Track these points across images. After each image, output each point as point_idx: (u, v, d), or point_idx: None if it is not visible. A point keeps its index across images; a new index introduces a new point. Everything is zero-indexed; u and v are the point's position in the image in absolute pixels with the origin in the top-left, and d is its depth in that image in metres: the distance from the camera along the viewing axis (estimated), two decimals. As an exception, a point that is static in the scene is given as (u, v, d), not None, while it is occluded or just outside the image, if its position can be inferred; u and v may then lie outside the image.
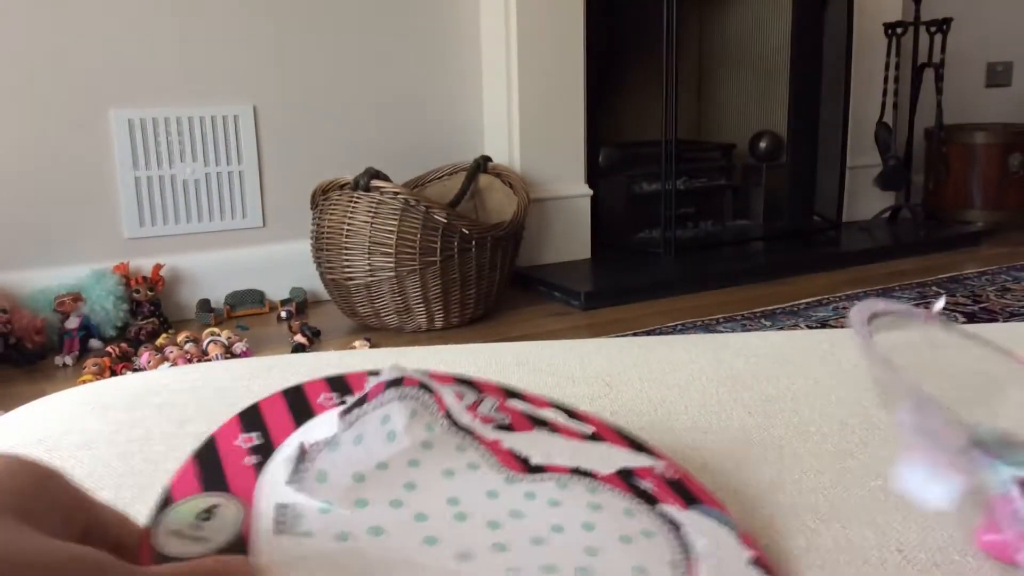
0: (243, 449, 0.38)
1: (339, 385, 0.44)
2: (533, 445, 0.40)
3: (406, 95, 2.86)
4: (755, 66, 3.52)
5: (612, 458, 0.40)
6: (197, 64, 2.57)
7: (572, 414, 0.44)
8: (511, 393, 0.44)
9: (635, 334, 2.36)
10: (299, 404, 0.42)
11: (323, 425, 0.38)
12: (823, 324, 2.41)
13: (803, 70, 3.40)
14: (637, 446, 0.42)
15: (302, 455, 0.36)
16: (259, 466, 0.36)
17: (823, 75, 3.42)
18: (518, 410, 0.43)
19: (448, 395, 0.41)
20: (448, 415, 0.40)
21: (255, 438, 0.39)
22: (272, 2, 2.64)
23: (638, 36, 3.29)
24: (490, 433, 0.40)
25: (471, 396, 0.42)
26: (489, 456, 0.39)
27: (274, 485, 0.35)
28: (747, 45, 3.53)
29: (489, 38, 2.91)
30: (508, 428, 0.41)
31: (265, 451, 0.38)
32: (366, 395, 0.38)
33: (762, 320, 2.47)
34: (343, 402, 0.41)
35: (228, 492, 0.35)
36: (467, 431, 0.40)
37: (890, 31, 3.46)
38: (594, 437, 0.42)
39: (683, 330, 2.39)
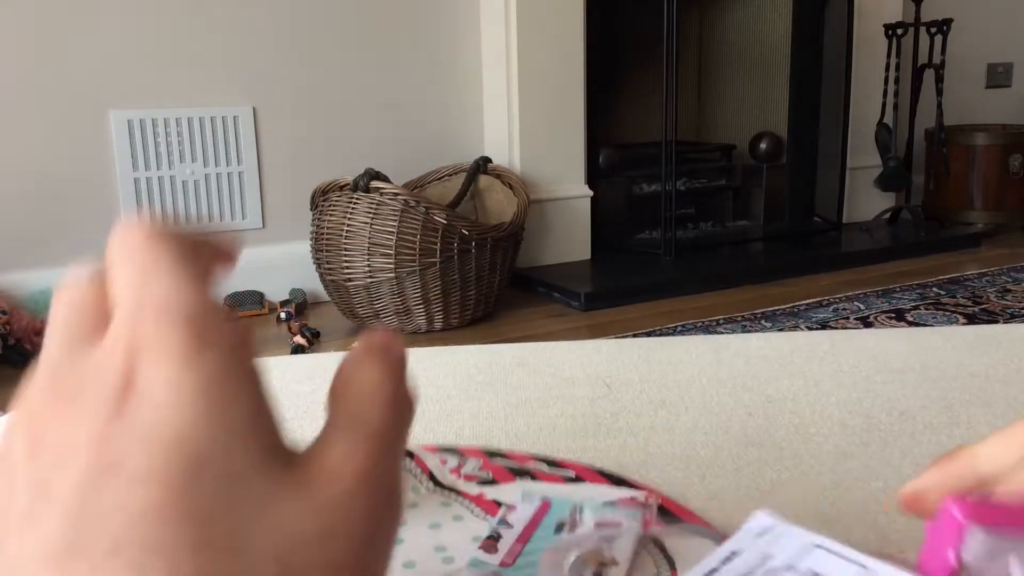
0: None
1: None
2: (516, 493, 0.41)
3: (406, 96, 2.86)
4: (755, 67, 3.52)
5: (593, 495, 0.42)
6: (197, 65, 2.57)
7: (553, 463, 0.45)
8: (493, 453, 0.46)
9: (635, 335, 2.36)
10: None
11: None
12: (823, 325, 2.41)
13: (803, 71, 3.40)
14: (618, 481, 0.43)
15: None
16: None
17: (823, 76, 3.42)
18: (501, 466, 0.44)
19: (431, 460, 0.43)
20: (431, 477, 0.42)
21: None
22: (272, 3, 2.64)
23: (638, 36, 3.29)
24: (474, 488, 0.42)
25: (454, 460, 0.44)
26: (474, 507, 0.40)
27: None
28: (747, 46, 3.53)
29: (489, 39, 2.91)
30: (491, 482, 0.43)
31: None
32: None
33: (762, 321, 2.47)
34: None
35: None
36: (451, 489, 0.42)
37: (890, 32, 3.46)
38: (576, 479, 0.44)
39: (683, 331, 2.39)
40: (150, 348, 0.18)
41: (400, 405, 0.21)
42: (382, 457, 0.20)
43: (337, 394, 0.20)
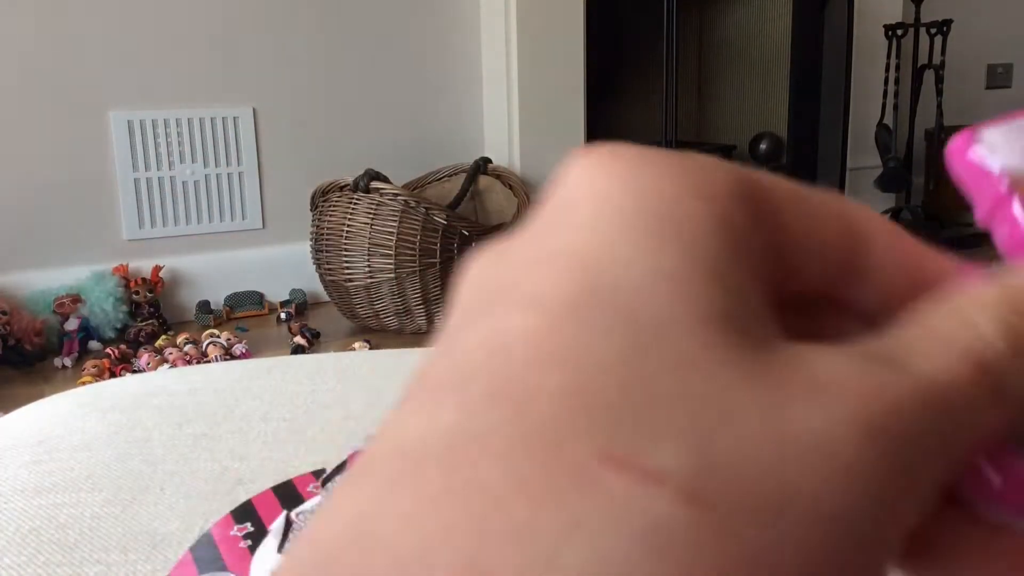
0: (238, 537, 0.41)
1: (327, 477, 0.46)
2: None
3: (406, 96, 2.86)
4: (755, 67, 3.52)
5: None
6: (197, 66, 2.57)
7: None
8: None
9: (635, 336, 2.36)
10: (288, 494, 0.44)
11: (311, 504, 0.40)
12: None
13: (803, 72, 3.40)
14: None
15: (288, 525, 0.37)
16: (253, 547, 0.39)
17: (823, 77, 3.42)
18: None
19: None
20: None
21: (248, 527, 0.42)
22: (271, 4, 2.64)
23: (638, 37, 3.29)
24: None
25: None
26: None
27: (267, 555, 0.36)
28: (747, 46, 3.53)
29: (489, 39, 2.91)
30: None
31: (258, 537, 0.40)
32: (345, 462, 0.40)
33: (762, 322, 2.46)
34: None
35: (226, 570, 0.37)
36: None
37: (890, 33, 3.45)
38: None
39: (683, 332, 2.38)
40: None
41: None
42: (930, 411, 0.13)
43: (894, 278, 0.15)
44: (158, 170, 2.55)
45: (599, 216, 0.14)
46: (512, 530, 0.11)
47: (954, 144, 0.17)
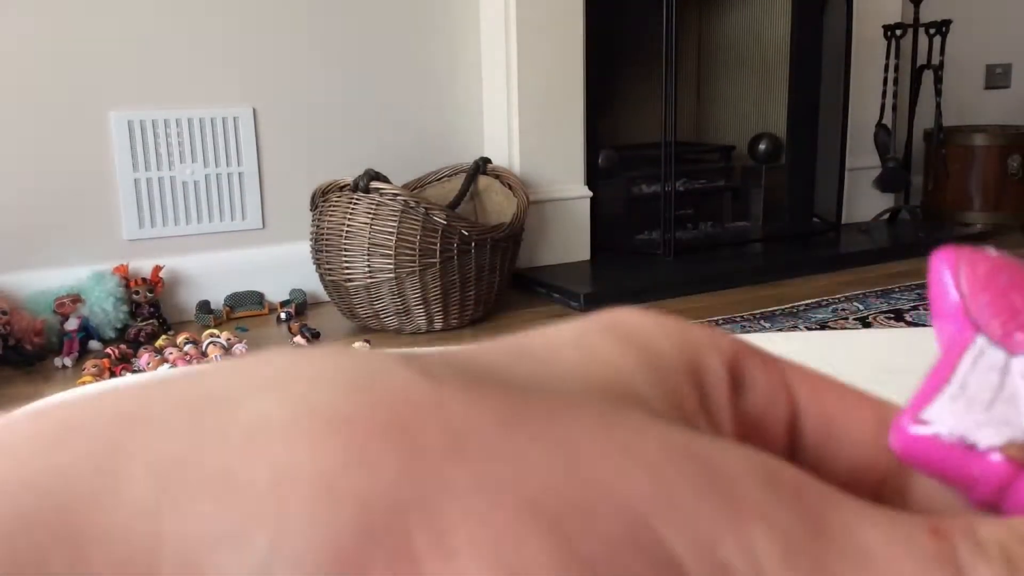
0: None
1: None
2: None
3: (406, 97, 2.86)
4: (755, 68, 3.52)
5: None
6: (197, 66, 2.57)
7: None
8: None
9: (634, 335, 2.36)
10: None
11: None
12: (822, 326, 2.41)
13: (803, 72, 3.40)
14: None
15: None
16: None
17: (822, 77, 3.42)
18: None
19: None
20: None
21: None
22: (271, 4, 2.64)
23: (638, 37, 3.29)
24: None
25: None
26: None
27: None
28: (747, 47, 3.53)
29: (489, 39, 2.91)
30: None
31: None
32: None
33: (761, 322, 2.47)
34: None
35: None
36: None
37: (889, 33, 3.46)
38: None
39: (682, 331, 2.38)
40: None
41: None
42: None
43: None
44: (158, 170, 2.56)
45: (574, 327, 0.16)
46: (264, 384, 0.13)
47: (903, 438, 0.15)
